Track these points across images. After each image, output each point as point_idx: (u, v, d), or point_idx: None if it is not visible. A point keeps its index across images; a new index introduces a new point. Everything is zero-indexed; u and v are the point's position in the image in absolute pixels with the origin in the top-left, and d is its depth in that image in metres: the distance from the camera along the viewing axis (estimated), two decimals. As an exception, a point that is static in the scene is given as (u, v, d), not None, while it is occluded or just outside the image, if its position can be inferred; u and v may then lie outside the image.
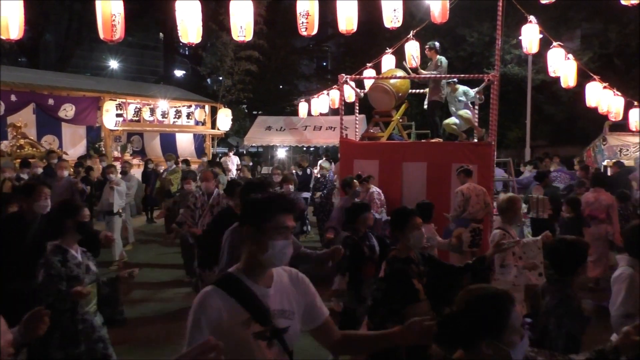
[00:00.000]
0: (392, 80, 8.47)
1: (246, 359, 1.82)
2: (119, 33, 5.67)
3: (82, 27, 26.34)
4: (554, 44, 8.92)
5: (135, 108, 15.85)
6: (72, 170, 10.90)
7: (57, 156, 11.79)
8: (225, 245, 3.52)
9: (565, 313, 2.79)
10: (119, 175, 10.41)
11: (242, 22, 6.26)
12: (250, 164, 14.69)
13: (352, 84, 9.23)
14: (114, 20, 5.57)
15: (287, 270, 2.04)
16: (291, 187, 7.55)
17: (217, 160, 15.51)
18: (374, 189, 7.14)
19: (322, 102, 12.68)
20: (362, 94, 9.51)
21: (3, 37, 5.27)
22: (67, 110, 14.08)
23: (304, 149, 19.88)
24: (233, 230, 3.56)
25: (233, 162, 15.75)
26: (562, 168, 12.19)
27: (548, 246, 3.08)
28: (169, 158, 12.78)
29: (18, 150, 12.58)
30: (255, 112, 25.77)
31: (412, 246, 3.35)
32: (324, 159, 14.05)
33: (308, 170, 12.19)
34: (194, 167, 13.34)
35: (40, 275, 3.14)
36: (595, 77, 10.15)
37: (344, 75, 8.13)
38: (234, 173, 14.64)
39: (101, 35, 5.71)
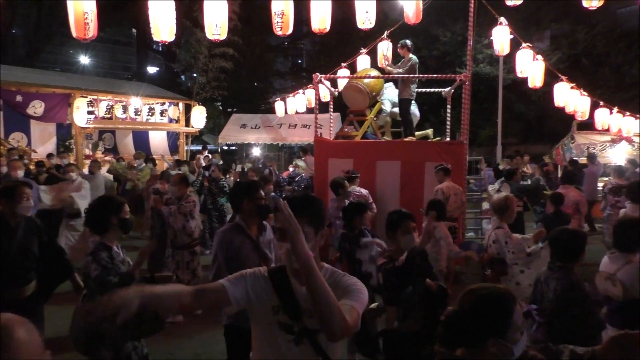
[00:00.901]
0: (366, 80, 8.54)
1: (268, 343, 1.94)
2: (92, 31, 5.58)
3: (53, 22, 25.76)
4: (523, 45, 9.11)
5: (107, 105, 15.60)
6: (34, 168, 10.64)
7: (17, 154, 11.52)
8: (216, 246, 3.39)
9: (575, 297, 3.05)
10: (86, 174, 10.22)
11: (217, 21, 6.22)
12: (221, 162, 14.32)
13: (327, 83, 9.28)
14: (86, 18, 5.47)
15: (342, 274, 1.98)
16: (271, 188, 7.49)
17: (187, 159, 15.05)
18: (355, 189, 7.08)
19: (299, 101, 12.71)
20: (336, 93, 9.59)
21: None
22: (36, 107, 13.76)
23: (279, 146, 19.84)
24: (222, 232, 3.47)
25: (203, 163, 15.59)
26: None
27: (551, 236, 3.32)
28: (139, 156, 12.39)
29: (-16, 148, 12.28)
30: (230, 110, 25.65)
31: (404, 249, 3.40)
32: (303, 157, 13.97)
33: (266, 170, 12.10)
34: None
35: (92, 270, 3.11)
36: (562, 77, 10.41)
37: (318, 74, 8.16)
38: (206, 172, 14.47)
39: (74, 34, 5.60)
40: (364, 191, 6.87)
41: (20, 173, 7.82)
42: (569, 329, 2.98)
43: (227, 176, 11.24)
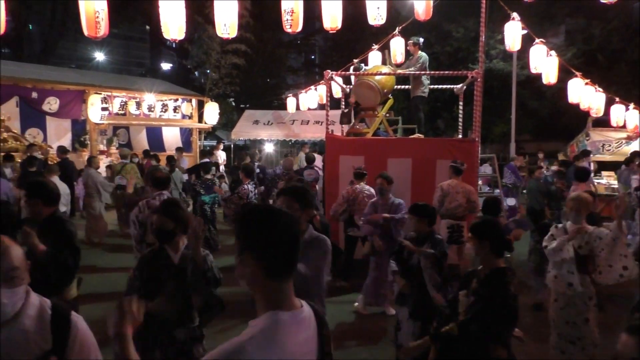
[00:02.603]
0: (377, 77, 8.51)
1: None
2: (103, 29, 5.65)
3: (67, 18, 26.03)
4: (536, 40, 9.02)
5: (121, 101, 15.74)
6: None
7: (39, 149, 11.64)
8: None
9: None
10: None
11: (226, 19, 6.26)
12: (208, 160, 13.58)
13: (339, 80, 9.27)
14: (97, 17, 5.54)
15: None
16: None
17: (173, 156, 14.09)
18: (365, 187, 7.01)
19: (311, 97, 12.75)
20: (348, 90, 9.57)
21: (-15, 33, 5.21)
22: (51, 104, 13.94)
23: (292, 143, 19.89)
24: None
25: (220, 157, 15.60)
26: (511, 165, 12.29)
27: None
28: (123, 153, 11.55)
29: (2, 144, 12.47)
30: (242, 106, 25.75)
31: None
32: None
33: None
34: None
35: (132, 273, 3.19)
36: (577, 73, 10.28)
37: (329, 71, 8.16)
38: (222, 169, 14.38)
39: (85, 32, 5.68)
40: (373, 190, 6.87)
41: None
42: None
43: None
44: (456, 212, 6.56)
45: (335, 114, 10.09)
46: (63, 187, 8.38)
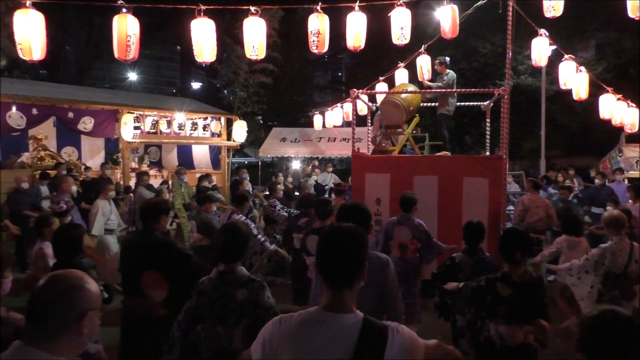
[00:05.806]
0: (403, 95, 8.55)
1: None
2: (132, 53, 5.85)
3: (101, 41, 26.99)
4: (565, 56, 8.92)
5: (153, 120, 16.14)
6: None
7: (66, 167, 11.97)
8: None
9: None
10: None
11: (254, 41, 6.40)
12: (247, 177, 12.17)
13: (365, 98, 9.34)
14: (128, 40, 5.74)
15: None
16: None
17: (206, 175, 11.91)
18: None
19: (337, 114, 12.86)
20: (374, 108, 9.64)
21: (26, 59, 5.45)
22: (86, 123, 14.40)
23: (319, 160, 20.01)
24: None
25: (333, 178, 14.03)
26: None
27: None
28: (180, 171, 11.16)
29: (39, 162, 12.97)
30: (270, 124, 26.05)
31: None
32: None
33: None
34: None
35: None
36: (608, 88, 10.08)
37: (355, 90, 8.23)
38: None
39: (116, 55, 5.89)
40: None
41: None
42: None
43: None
44: (537, 226, 7.03)
45: (361, 132, 10.14)
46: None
